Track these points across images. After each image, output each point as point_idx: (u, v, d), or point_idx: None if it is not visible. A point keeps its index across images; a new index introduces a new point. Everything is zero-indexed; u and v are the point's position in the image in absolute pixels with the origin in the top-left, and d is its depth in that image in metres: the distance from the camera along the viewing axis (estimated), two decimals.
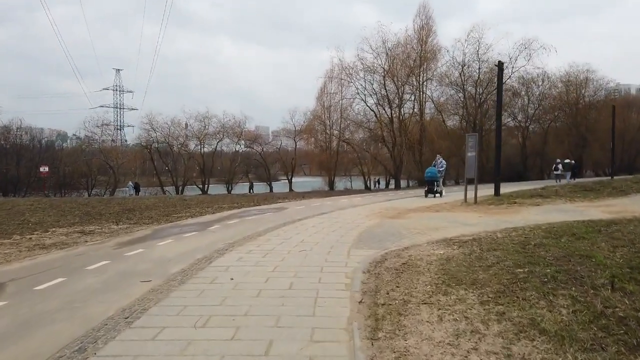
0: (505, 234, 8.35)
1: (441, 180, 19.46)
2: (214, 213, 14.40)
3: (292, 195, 27.37)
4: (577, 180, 28.41)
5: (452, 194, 20.46)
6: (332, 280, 5.80)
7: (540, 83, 47.26)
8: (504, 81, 41.88)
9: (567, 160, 30.17)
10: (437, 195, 18.61)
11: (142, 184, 52.90)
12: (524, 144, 48.32)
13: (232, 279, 5.94)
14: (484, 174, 41.60)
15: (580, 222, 9.06)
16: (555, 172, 29.75)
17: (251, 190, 45.78)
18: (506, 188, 18.66)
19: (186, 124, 50.83)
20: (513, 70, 38.93)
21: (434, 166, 19.55)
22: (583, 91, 52.88)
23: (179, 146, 51.94)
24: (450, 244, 7.59)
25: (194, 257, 7.36)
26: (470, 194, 15.34)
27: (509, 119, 47.53)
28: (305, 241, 8.46)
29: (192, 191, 50.07)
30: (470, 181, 15.73)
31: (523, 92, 46.03)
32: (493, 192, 17.04)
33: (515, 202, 14.26)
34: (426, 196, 18.55)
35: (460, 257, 6.49)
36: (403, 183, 39.59)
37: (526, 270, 5.49)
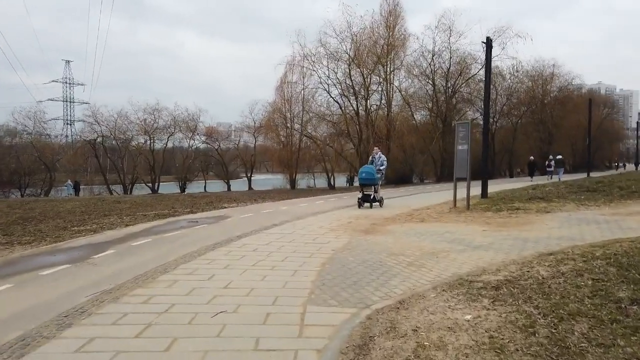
0: (549, 268, 5.32)
1: (380, 183, 13.66)
2: (127, 225, 10.79)
3: (247, 196, 23.88)
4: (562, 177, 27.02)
5: (408, 199, 17.63)
6: None
7: (508, 77, 45.63)
8: (474, 72, 40.01)
9: (559, 157, 28.98)
10: (376, 204, 13.24)
11: (87, 182, 48.37)
12: (493, 139, 46.65)
13: None
14: (449, 172, 39.61)
15: None
16: (548, 169, 28.74)
17: (184, 191, 42.81)
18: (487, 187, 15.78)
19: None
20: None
21: (371, 163, 13.57)
22: (549, 87, 51.95)
23: (126, 141, 47.38)
24: (475, 295, 4.46)
25: None
26: (454, 194, 12.39)
27: (477, 114, 45.70)
28: (231, 288, 5.13)
29: (141, 190, 45.86)
30: (460, 179, 12.77)
31: (491, 86, 44.08)
32: (476, 193, 14.13)
33: (516, 208, 11.40)
34: (359, 206, 13.06)
35: (514, 337, 3.36)
36: None
37: None
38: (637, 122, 66.18)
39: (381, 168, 13.45)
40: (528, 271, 5.29)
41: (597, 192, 14.07)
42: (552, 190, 15.61)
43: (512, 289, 4.61)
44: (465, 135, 11.55)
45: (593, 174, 31.24)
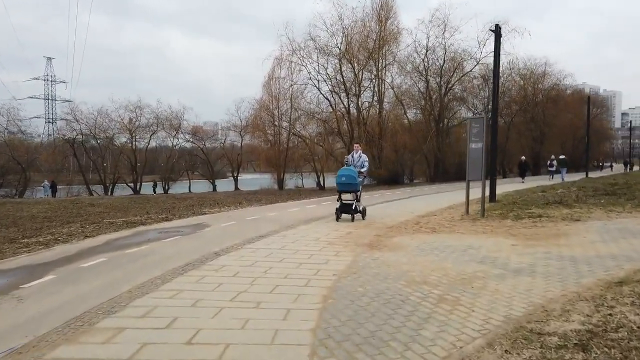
0: (637, 309, 3.87)
1: (361, 189, 10.86)
2: (87, 237, 9.12)
3: (232, 197, 22.25)
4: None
5: (407, 202, 16.23)
6: None
7: (501, 75, 44.59)
8: (469, 69, 38.76)
9: (561, 157, 27.86)
10: (358, 215, 10.57)
11: (68, 182, 46.30)
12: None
13: None
14: (443, 172, 38.42)
15: None
16: (550, 169, 27.91)
17: (154, 191, 41.31)
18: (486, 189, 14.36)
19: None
20: (482, 56, 35.39)
21: (351, 164, 10.81)
22: (540, 85, 51.19)
23: (107, 140, 45.41)
24: None
25: None
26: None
27: (469, 113, 44.60)
28: (197, 344, 3.59)
29: (123, 190, 43.93)
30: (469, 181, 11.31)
31: (484, 84, 42.91)
32: (479, 195, 12.68)
33: (538, 215, 10.01)
34: (337, 219, 10.36)
35: None
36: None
37: None
38: (630, 122, 66.01)
39: (362, 170, 10.78)
40: (610, 314, 3.84)
41: (618, 196, 12.79)
42: (566, 193, 14.30)
43: (606, 349, 3.15)
44: (479, 132, 10.11)
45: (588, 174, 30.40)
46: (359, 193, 10.64)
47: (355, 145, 11.83)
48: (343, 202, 10.50)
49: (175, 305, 4.51)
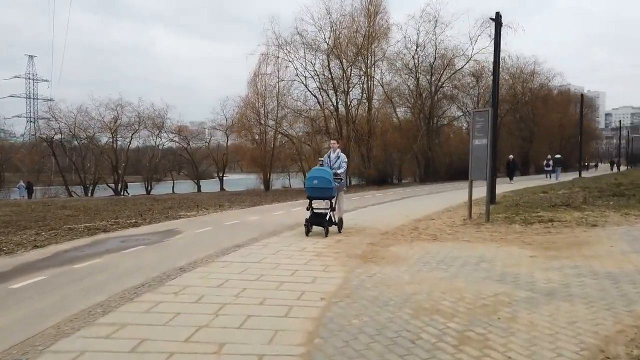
0: None
1: (336, 195, 8.60)
2: (36, 247, 7.85)
3: (214, 199, 21.04)
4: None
5: (399, 204, 15.24)
6: None
7: (490, 74, 43.92)
8: (460, 67, 37.90)
9: (557, 156, 27.51)
10: (334, 227, 8.52)
11: (49, 183, 44.71)
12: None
13: None
14: (433, 172, 37.54)
15: None
16: (546, 168, 27.51)
17: (126, 192, 40.00)
18: (479, 190, 13.05)
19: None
20: (473, 53, 34.54)
21: (326, 165, 8.78)
22: (529, 84, 50.76)
23: (88, 139, 43.85)
24: None
25: None
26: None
27: (459, 111, 43.92)
28: None
29: (104, 191, 42.44)
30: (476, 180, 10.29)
31: (474, 83, 42.11)
32: (477, 197, 11.69)
33: (549, 220, 9.01)
34: (307, 233, 8.26)
35: None
36: (350, 181, 34.18)
37: None
38: (620, 122, 66.10)
39: (339, 172, 8.65)
40: None
41: (627, 197, 11.90)
42: (570, 194, 13.38)
43: None
44: (483, 126, 9.09)
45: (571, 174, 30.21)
46: (334, 200, 8.52)
47: (332, 142, 9.46)
48: (315, 211, 8.38)
49: (110, 349, 3.36)
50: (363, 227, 9.26)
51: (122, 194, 39.99)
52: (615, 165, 56.33)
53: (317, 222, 8.32)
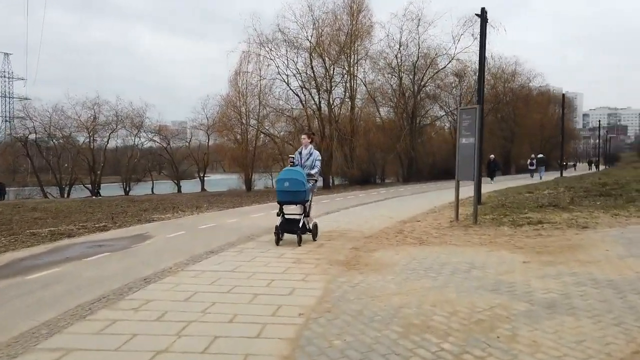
0: None
1: (311, 198, 7.78)
2: None
3: (193, 200, 20.37)
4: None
5: (383, 205, 14.90)
6: None
7: (475, 72, 44.00)
8: (443, 66, 37.79)
9: (540, 156, 27.86)
10: (307, 233, 7.59)
11: (24, 184, 43.30)
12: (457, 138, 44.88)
13: None
14: (416, 172, 37.37)
15: None
16: (530, 168, 27.85)
17: (97, 194, 39.18)
18: (464, 190, 12.80)
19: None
20: (456, 52, 34.45)
21: (297, 164, 7.80)
22: (510, 84, 51.10)
23: (64, 138, 42.59)
24: None
25: None
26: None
27: (442, 111, 43.90)
28: None
29: (81, 192, 41.25)
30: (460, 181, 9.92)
31: (457, 82, 42.08)
32: (462, 197, 11.28)
33: (538, 221, 8.69)
34: (277, 242, 7.38)
35: None
36: (334, 181, 33.74)
37: None
38: (599, 122, 67.08)
39: (313, 172, 7.68)
40: None
41: (614, 197, 11.70)
42: (556, 194, 13.16)
43: None
44: (470, 124, 8.74)
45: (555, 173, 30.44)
46: (308, 204, 7.58)
47: (302, 136, 8.18)
48: (286, 217, 7.48)
49: None
50: (346, 230, 8.82)
51: (93, 194, 39.02)
52: (593, 164, 57.19)
53: (289, 229, 7.45)
